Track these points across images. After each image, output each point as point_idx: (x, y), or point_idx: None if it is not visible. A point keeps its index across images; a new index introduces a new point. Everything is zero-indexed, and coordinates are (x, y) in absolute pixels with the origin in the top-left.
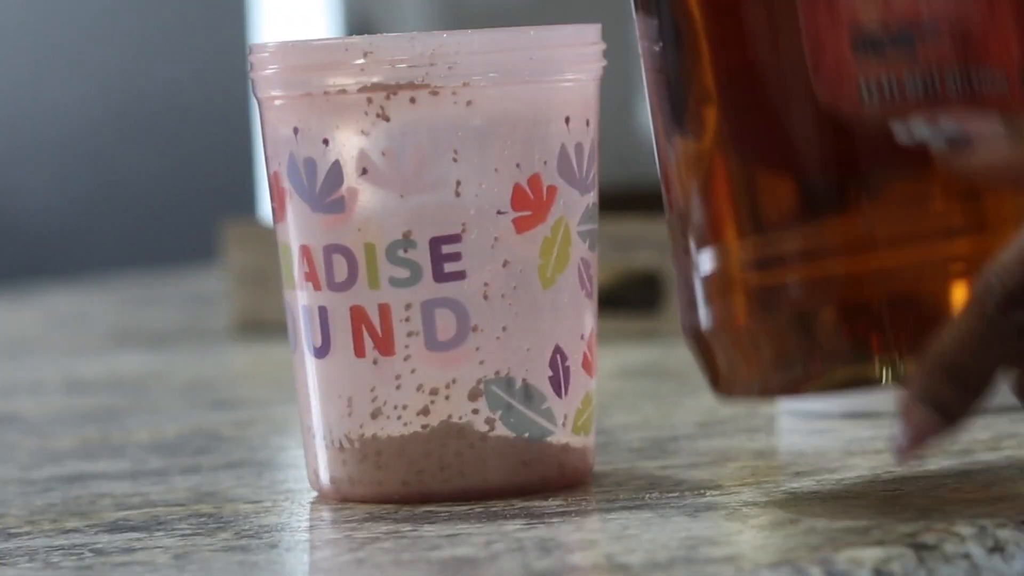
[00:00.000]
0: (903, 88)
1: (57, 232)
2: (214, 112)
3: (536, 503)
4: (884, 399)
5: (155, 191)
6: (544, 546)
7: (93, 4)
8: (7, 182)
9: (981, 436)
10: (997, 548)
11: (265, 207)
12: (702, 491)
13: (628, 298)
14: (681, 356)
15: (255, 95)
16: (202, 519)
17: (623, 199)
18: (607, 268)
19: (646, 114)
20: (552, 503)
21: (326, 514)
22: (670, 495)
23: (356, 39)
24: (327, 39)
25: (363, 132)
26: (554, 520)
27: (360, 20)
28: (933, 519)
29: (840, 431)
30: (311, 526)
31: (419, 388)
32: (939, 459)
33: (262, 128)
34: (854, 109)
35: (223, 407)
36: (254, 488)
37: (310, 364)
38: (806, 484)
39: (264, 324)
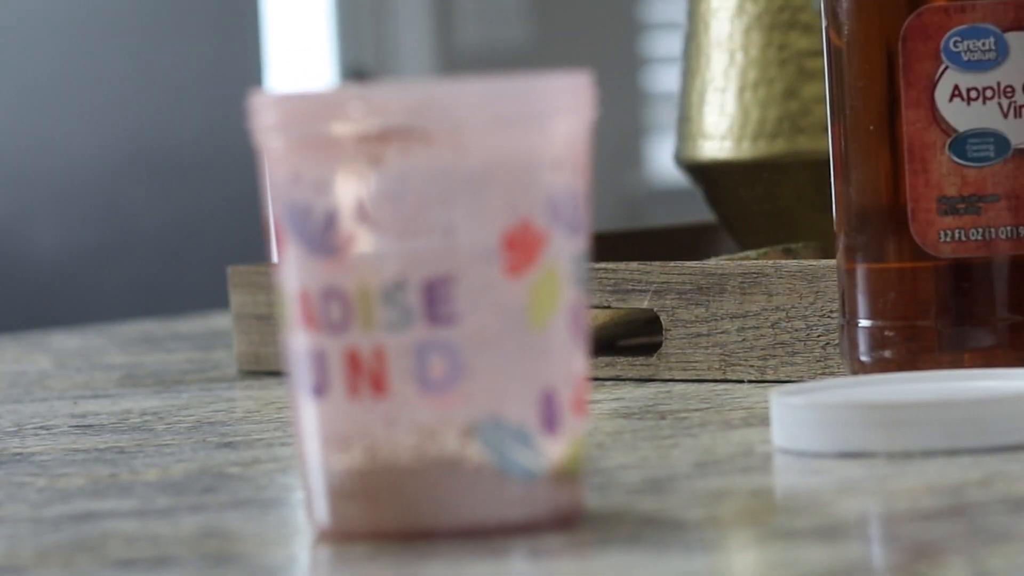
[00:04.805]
0: (968, 236)
1: (68, 281)
2: (224, 161)
3: (534, 541)
4: (877, 439)
5: (166, 239)
6: None
7: (103, 55)
8: (20, 231)
9: (973, 474)
10: None
11: (273, 252)
12: (698, 530)
13: (628, 340)
14: (679, 397)
15: (257, 143)
16: (209, 557)
17: (623, 242)
18: (608, 311)
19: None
20: (549, 541)
21: (329, 553)
22: (667, 534)
23: (352, 89)
24: (324, 89)
25: (359, 178)
26: (553, 558)
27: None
28: (926, 558)
29: (835, 470)
30: (314, 564)
31: (413, 428)
32: (931, 498)
33: (265, 174)
34: (935, 249)
35: (230, 447)
36: (260, 527)
37: (308, 404)
38: (801, 523)
39: (270, 366)
